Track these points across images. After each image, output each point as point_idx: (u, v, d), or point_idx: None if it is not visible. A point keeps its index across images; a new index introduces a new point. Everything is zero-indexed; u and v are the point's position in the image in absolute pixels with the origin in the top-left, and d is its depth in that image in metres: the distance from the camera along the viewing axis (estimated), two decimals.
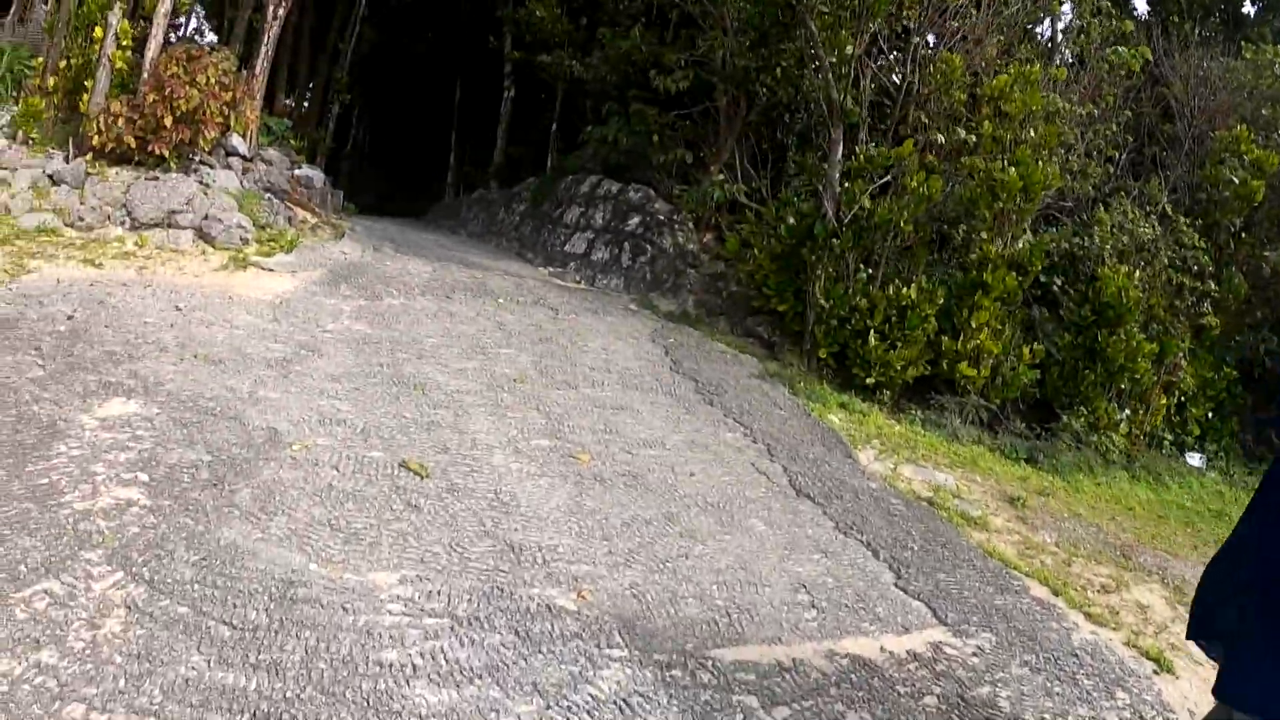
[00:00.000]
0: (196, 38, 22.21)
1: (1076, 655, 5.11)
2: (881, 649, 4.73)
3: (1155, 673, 5.17)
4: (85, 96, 12.39)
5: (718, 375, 9.08)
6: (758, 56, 13.16)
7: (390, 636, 4.02)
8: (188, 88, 11.47)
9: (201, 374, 6.80)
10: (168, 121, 11.26)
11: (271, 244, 11.16)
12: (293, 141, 18.04)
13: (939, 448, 8.70)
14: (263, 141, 15.45)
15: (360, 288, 10.06)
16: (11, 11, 16.85)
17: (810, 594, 5.14)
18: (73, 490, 5.01)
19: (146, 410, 6.05)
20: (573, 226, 14.74)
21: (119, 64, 12.30)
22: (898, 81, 12.59)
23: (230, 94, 12.17)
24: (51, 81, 12.84)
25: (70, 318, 7.79)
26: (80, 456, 5.37)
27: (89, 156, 11.81)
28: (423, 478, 5.54)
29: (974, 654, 4.87)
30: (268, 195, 12.24)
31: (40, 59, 13.62)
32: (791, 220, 10.87)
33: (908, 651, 4.75)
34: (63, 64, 12.85)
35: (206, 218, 10.75)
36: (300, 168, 15.10)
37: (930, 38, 12.94)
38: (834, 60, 11.29)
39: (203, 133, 11.48)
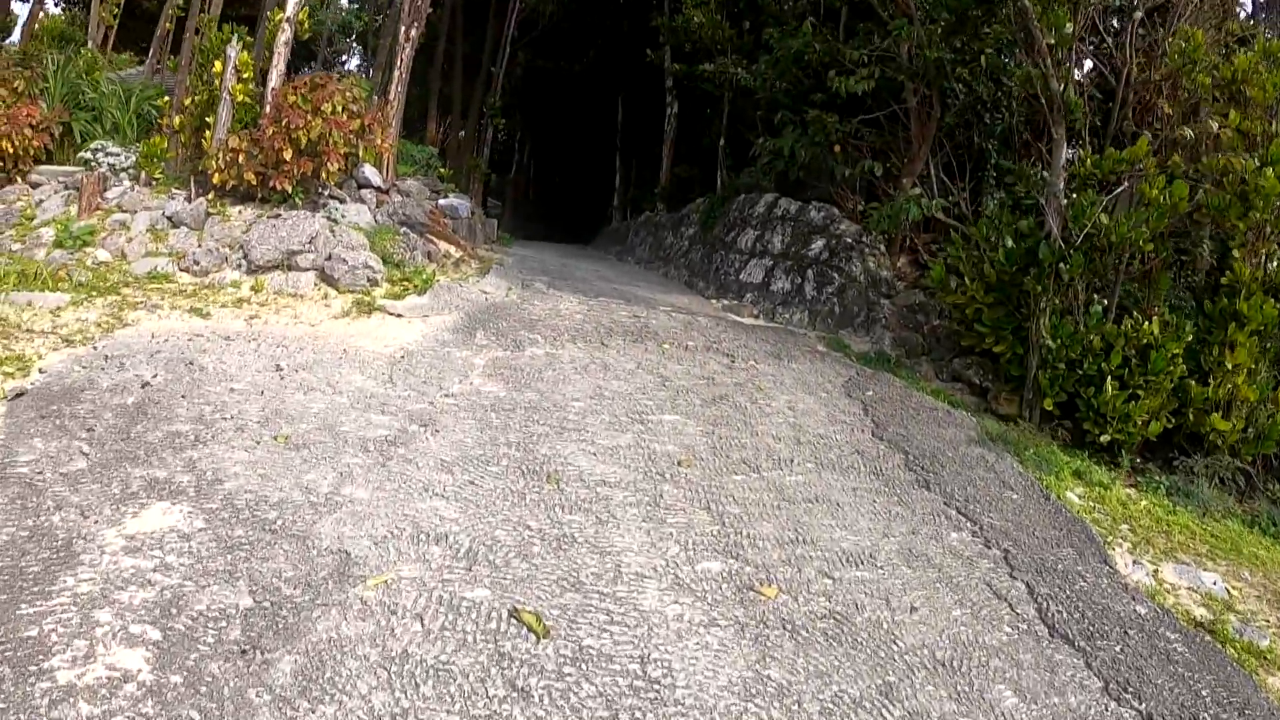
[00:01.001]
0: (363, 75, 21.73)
1: None
2: None
3: None
4: (209, 133, 11.47)
5: (930, 441, 7.07)
6: (951, 46, 11.03)
7: None
8: (309, 117, 10.31)
9: (276, 465, 5.32)
10: (287, 155, 10.12)
11: (405, 284, 9.83)
12: (440, 170, 17.01)
13: (1194, 530, 6.49)
14: (404, 171, 14.36)
15: (499, 335, 8.54)
16: (151, 55, 16.46)
17: None
18: (64, 649, 3.56)
19: (189, 523, 4.57)
20: (747, 252, 12.85)
21: (240, 97, 11.33)
22: (1115, 67, 10.26)
23: (358, 121, 10.97)
24: (178, 120, 12.03)
25: (146, 385, 6.52)
26: (87, 595, 3.92)
27: (210, 196, 10.84)
28: (539, 637, 3.81)
29: None
30: (403, 229, 10.96)
31: (167, 98, 12.91)
32: (1010, 242, 8.71)
33: None
34: (188, 101, 12.02)
35: (330, 258, 9.49)
36: (446, 197, 13.87)
37: (1138, 14, 10.56)
38: (1051, 42, 9.11)
39: (325, 165, 10.28)
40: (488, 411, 6.47)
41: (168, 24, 16.25)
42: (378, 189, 11.38)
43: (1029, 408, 8.39)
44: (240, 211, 10.71)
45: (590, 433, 6.22)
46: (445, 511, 4.86)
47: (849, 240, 11.03)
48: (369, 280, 9.37)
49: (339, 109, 10.75)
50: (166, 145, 12.03)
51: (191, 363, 7.10)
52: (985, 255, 8.89)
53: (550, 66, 29.85)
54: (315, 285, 9.31)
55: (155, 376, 6.70)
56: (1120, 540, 5.98)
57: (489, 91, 23.34)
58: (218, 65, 11.63)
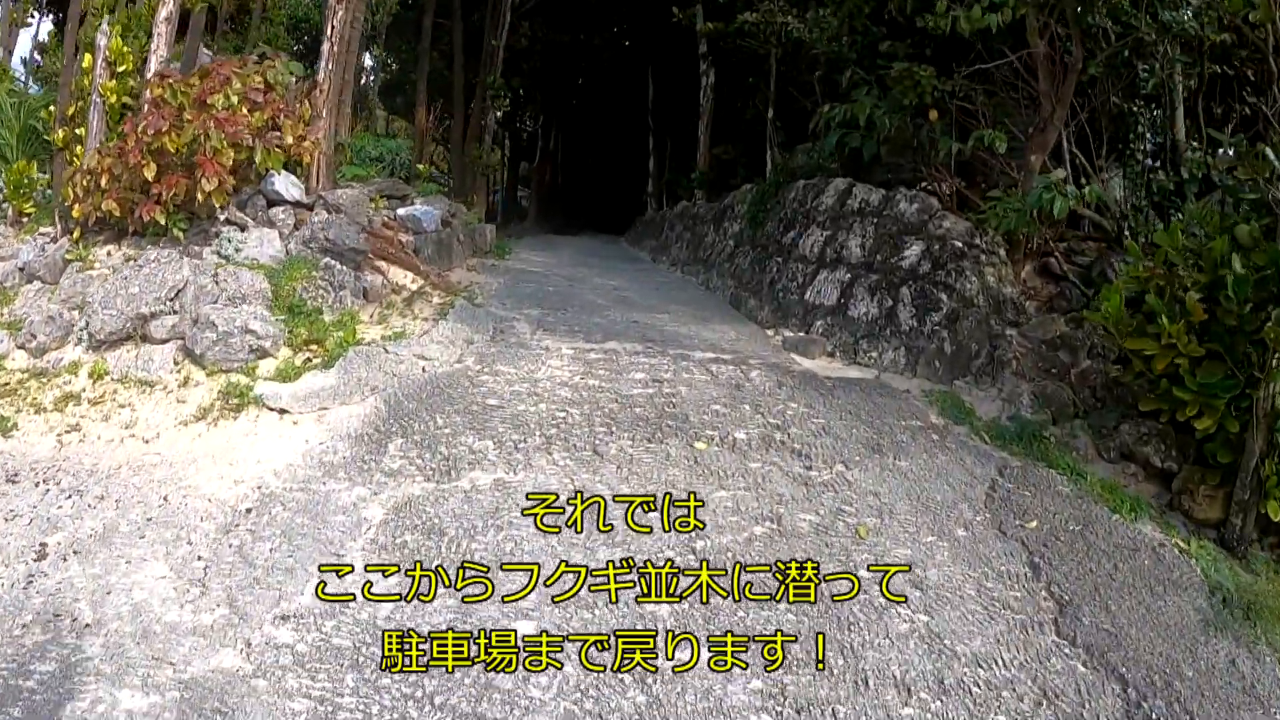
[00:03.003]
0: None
1: None
2: None
3: None
4: (80, 149, 8.66)
5: (1149, 638, 3.84)
6: None
7: None
8: (182, 115, 7.40)
9: None
10: (149, 172, 7.20)
11: (310, 349, 6.75)
12: (421, 167, 14.06)
13: None
14: (358, 174, 11.38)
15: (425, 444, 5.36)
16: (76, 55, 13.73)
17: None
18: None
19: None
20: (814, 260, 9.32)
21: (113, 98, 8.46)
22: None
23: (260, 114, 8.03)
24: (60, 134, 9.16)
25: None
26: None
27: (76, 234, 8.00)
28: None
29: None
30: (327, 260, 7.92)
31: (52, 109, 10.10)
32: (1238, 265, 5.30)
33: None
34: (70, 110, 9.18)
35: (197, 321, 6.51)
36: (411, 203, 10.66)
37: None
38: None
39: (200, 183, 7.30)
40: (344, 671, 3.45)
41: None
42: (296, 204, 8.36)
43: (1241, 511, 5.12)
44: (109, 254, 7.85)
45: None
46: None
47: (957, 244, 7.58)
48: (251, 351, 6.36)
49: (234, 101, 7.80)
50: (36, 169, 9.26)
51: None
52: (1186, 279, 5.55)
53: (569, 40, 26.85)
54: (175, 365, 6.35)
55: None
56: None
57: (490, 70, 20.21)
58: (87, 59, 8.79)
